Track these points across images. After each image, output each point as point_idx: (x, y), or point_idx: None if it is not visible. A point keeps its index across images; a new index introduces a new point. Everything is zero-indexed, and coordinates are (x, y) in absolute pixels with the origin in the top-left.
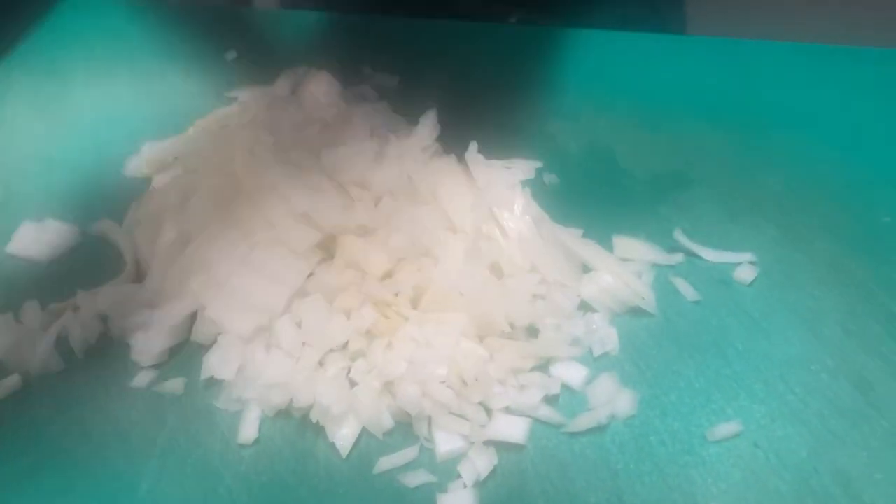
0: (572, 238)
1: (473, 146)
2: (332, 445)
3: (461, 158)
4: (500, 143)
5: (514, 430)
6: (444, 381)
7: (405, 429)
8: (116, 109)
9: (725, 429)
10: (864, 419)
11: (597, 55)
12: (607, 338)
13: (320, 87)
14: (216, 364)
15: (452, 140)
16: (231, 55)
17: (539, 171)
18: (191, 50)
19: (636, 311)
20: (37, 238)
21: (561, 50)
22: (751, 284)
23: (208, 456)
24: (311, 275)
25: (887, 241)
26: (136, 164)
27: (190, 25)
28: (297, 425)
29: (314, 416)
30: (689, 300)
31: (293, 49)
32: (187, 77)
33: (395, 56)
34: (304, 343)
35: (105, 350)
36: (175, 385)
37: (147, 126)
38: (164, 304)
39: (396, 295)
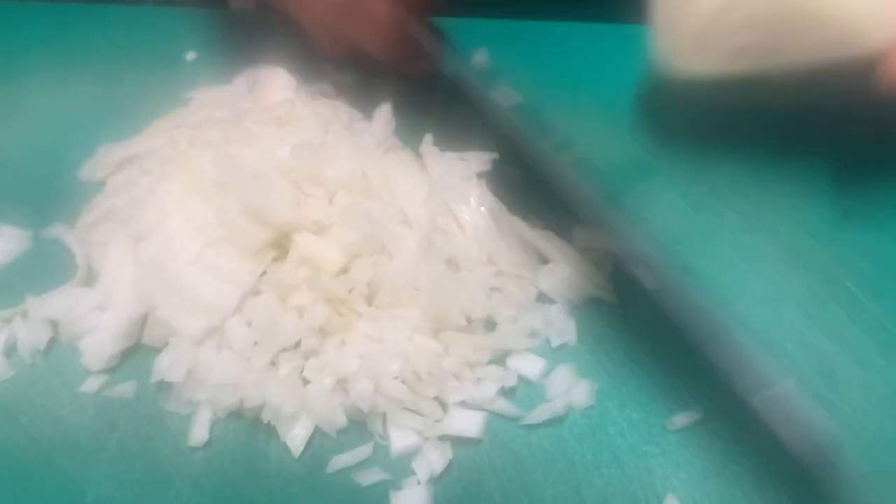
0: (530, 229)
1: (428, 139)
2: (285, 445)
3: (418, 152)
4: (459, 135)
5: (469, 424)
6: (397, 377)
7: (359, 426)
8: (73, 112)
9: (685, 417)
10: (825, 404)
11: (558, 47)
12: (565, 329)
13: (275, 84)
14: (167, 366)
15: (411, 134)
16: (191, 56)
17: (497, 163)
18: (150, 51)
19: (595, 302)
20: None
21: (523, 42)
22: (712, 272)
23: (158, 460)
24: (264, 273)
25: (849, 225)
26: (92, 167)
27: (149, 26)
28: (249, 426)
29: (266, 417)
30: (649, 289)
31: (254, 48)
32: (145, 78)
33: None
34: (255, 343)
35: (55, 355)
36: (126, 389)
37: (104, 129)
38: (115, 307)
39: (350, 291)
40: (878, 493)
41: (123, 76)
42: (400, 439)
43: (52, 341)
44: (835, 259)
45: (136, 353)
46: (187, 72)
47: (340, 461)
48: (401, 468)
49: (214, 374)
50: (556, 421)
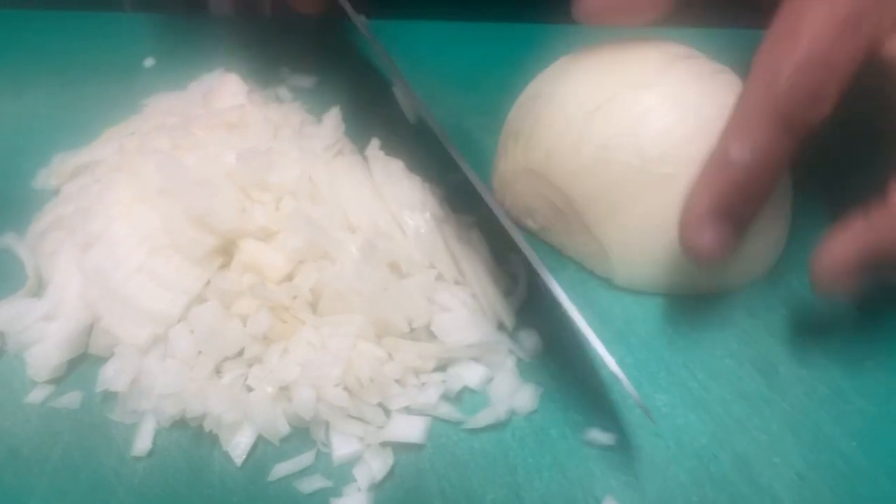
0: (476, 234)
1: (375, 143)
2: (228, 454)
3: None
4: (414, 140)
5: (412, 429)
6: (339, 384)
7: (302, 434)
8: (29, 120)
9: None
10: (765, 403)
11: (518, 49)
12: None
13: (227, 90)
14: (111, 376)
15: (364, 138)
16: (150, 62)
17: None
18: (108, 57)
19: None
20: None
21: (480, 45)
22: None
23: (101, 470)
24: (209, 281)
25: (792, 222)
26: (46, 176)
27: (108, 32)
28: (193, 435)
29: (208, 426)
30: (595, 289)
31: (213, 53)
32: (103, 85)
33: (314, 56)
34: (199, 351)
35: (1, 366)
36: (71, 399)
37: (60, 136)
38: (62, 317)
39: (294, 298)
40: (815, 492)
41: (81, 83)
42: (342, 446)
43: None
44: (780, 259)
45: (83, 363)
46: (145, 78)
47: (282, 469)
48: (342, 475)
49: (158, 383)
50: (499, 425)
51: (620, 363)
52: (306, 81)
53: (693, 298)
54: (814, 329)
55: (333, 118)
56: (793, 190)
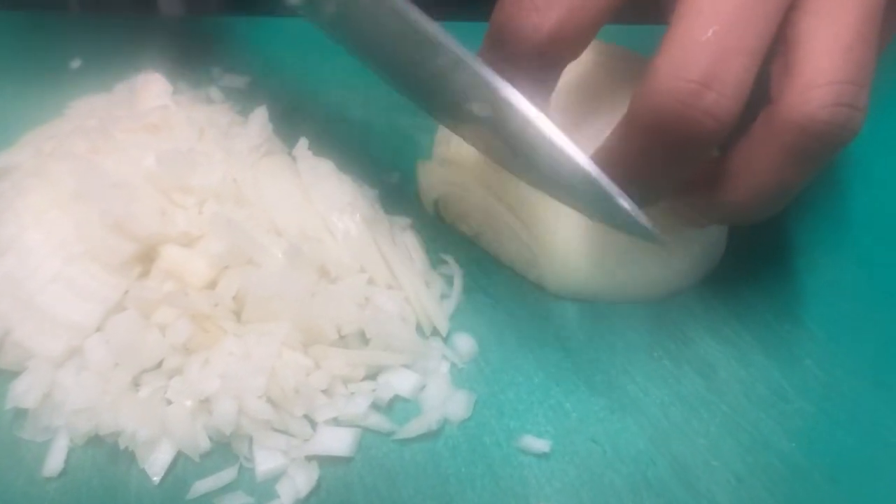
0: (409, 236)
1: (303, 142)
2: (145, 472)
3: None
4: (347, 139)
5: (339, 442)
6: (262, 396)
7: (224, 449)
8: None
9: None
10: (704, 405)
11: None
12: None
13: (151, 90)
14: (22, 392)
15: (294, 138)
16: (76, 63)
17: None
18: (33, 58)
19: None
20: None
21: None
22: None
23: (9, 493)
24: (128, 290)
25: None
26: None
27: (34, 33)
28: (108, 453)
29: (123, 442)
30: (532, 291)
31: (142, 54)
32: (26, 87)
33: (246, 57)
34: (115, 363)
35: None
36: None
37: None
38: None
39: (216, 306)
40: (753, 495)
41: (3, 86)
42: (265, 461)
43: None
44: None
45: None
46: (71, 80)
47: (203, 486)
48: (266, 491)
49: (72, 398)
50: (431, 434)
51: (556, 368)
52: (238, 82)
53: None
54: (753, 328)
55: (260, 118)
56: None
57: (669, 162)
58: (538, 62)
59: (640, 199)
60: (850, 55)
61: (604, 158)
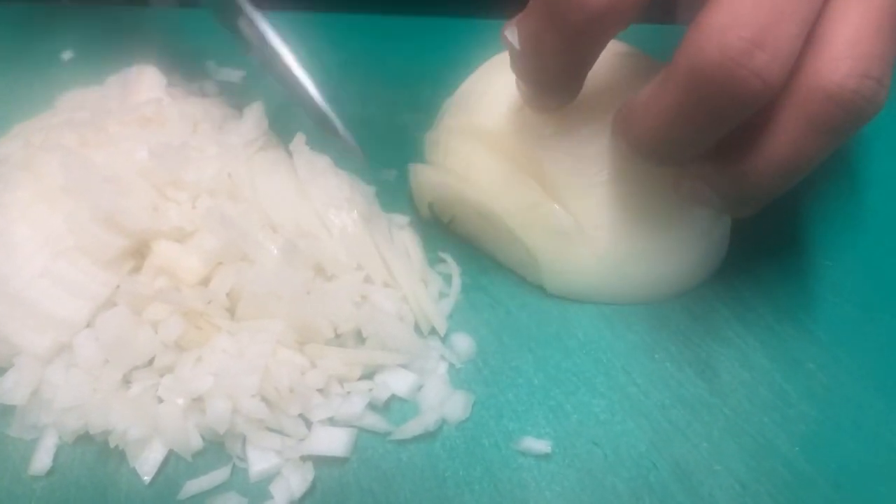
0: (407, 234)
1: (300, 137)
2: (135, 471)
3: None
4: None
5: (335, 442)
6: (255, 395)
7: (217, 449)
8: None
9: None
10: (706, 408)
11: (453, 44)
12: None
13: (143, 83)
14: (9, 388)
15: (291, 134)
16: (68, 55)
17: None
18: (23, 50)
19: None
20: None
21: (415, 39)
22: None
23: None
24: (119, 286)
25: (736, 220)
26: None
27: (25, 24)
28: (98, 451)
29: (114, 441)
30: (532, 291)
31: (135, 46)
32: (16, 79)
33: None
34: (106, 360)
35: None
36: None
37: None
38: None
39: (210, 303)
40: (757, 501)
41: None
42: (259, 461)
43: None
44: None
45: None
46: (62, 72)
47: (194, 486)
48: (259, 492)
49: (60, 395)
50: (429, 435)
51: (556, 368)
52: (233, 76)
53: None
54: (755, 331)
55: (255, 112)
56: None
57: (705, 122)
58: (586, 33)
59: (662, 158)
60: (880, 35)
61: (638, 110)
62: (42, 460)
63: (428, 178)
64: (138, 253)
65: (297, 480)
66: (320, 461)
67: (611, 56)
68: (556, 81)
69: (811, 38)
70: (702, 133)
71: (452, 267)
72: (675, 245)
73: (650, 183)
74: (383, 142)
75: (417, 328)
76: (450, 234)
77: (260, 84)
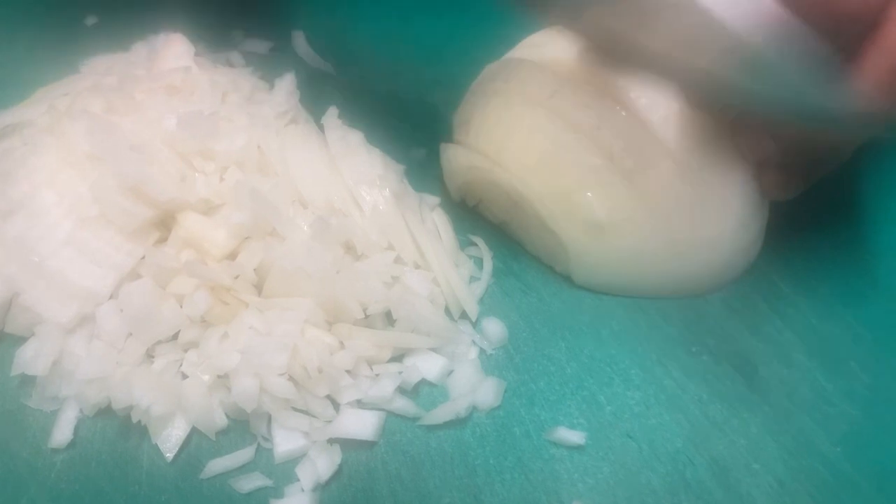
0: (438, 214)
1: (333, 111)
2: (157, 447)
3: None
4: (373, 111)
5: (363, 425)
6: (283, 374)
7: (241, 428)
8: None
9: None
10: (744, 405)
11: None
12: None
13: (171, 51)
14: (30, 358)
15: (322, 108)
16: (92, 20)
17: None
18: (47, 14)
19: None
20: None
21: (450, 16)
22: None
23: (13, 463)
24: (144, 257)
25: (773, 214)
26: None
27: None
28: (119, 426)
29: (136, 416)
30: (564, 278)
31: (160, 14)
32: (40, 43)
33: (269, 21)
34: (129, 333)
35: None
36: None
37: None
38: None
39: (237, 278)
40: (796, 501)
41: (16, 40)
42: (285, 442)
43: None
44: (761, 250)
45: None
46: (86, 38)
47: (217, 465)
48: (284, 474)
49: (82, 367)
50: (459, 422)
51: (590, 358)
52: (261, 47)
53: None
54: (795, 327)
55: (287, 84)
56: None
57: None
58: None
59: None
60: None
61: None
62: (63, 433)
63: (457, 158)
64: (163, 224)
65: (324, 463)
66: (347, 444)
67: None
68: None
69: None
70: None
71: (484, 250)
72: (709, 240)
73: (685, 176)
74: (413, 119)
75: (448, 312)
76: (481, 216)
77: (287, 56)
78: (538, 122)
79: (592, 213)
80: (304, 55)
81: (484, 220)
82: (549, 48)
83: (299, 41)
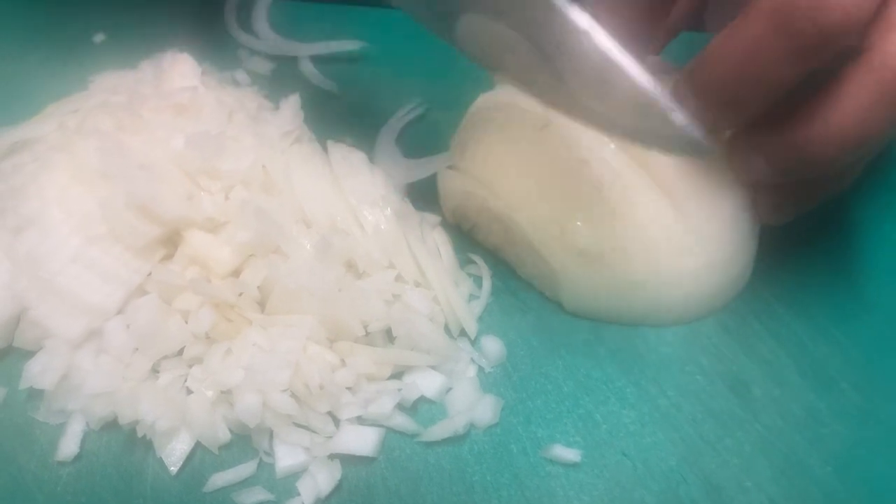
0: (439, 233)
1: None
2: (162, 461)
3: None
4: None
5: (363, 441)
6: (285, 390)
7: (244, 442)
8: None
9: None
10: (737, 423)
11: None
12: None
13: (178, 70)
14: (38, 372)
15: (328, 128)
16: (99, 38)
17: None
18: (55, 31)
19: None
20: None
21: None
22: None
23: (20, 475)
24: (151, 273)
25: (766, 235)
26: None
27: (56, 6)
28: (124, 440)
29: (141, 430)
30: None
31: (167, 31)
32: (47, 60)
33: (274, 40)
34: (135, 348)
35: None
36: None
37: None
38: None
39: (241, 295)
40: None
41: (25, 56)
42: (286, 457)
43: None
44: (754, 270)
45: (6, 357)
46: (94, 55)
47: (220, 479)
48: (285, 488)
49: (89, 381)
50: (457, 439)
51: (586, 377)
52: (264, 66)
53: None
54: (788, 347)
55: (293, 104)
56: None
57: (785, 57)
58: (817, 49)
59: (730, 109)
60: None
61: (713, 50)
62: (69, 446)
63: (453, 183)
64: (170, 241)
65: (324, 478)
66: (347, 460)
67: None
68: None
69: (882, 14)
70: (779, 71)
71: (483, 269)
72: (699, 270)
73: (675, 206)
74: (414, 138)
75: (447, 329)
76: (475, 240)
77: (291, 76)
78: (529, 153)
79: (582, 241)
80: (308, 75)
81: (476, 244)
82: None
83: (304, 61)
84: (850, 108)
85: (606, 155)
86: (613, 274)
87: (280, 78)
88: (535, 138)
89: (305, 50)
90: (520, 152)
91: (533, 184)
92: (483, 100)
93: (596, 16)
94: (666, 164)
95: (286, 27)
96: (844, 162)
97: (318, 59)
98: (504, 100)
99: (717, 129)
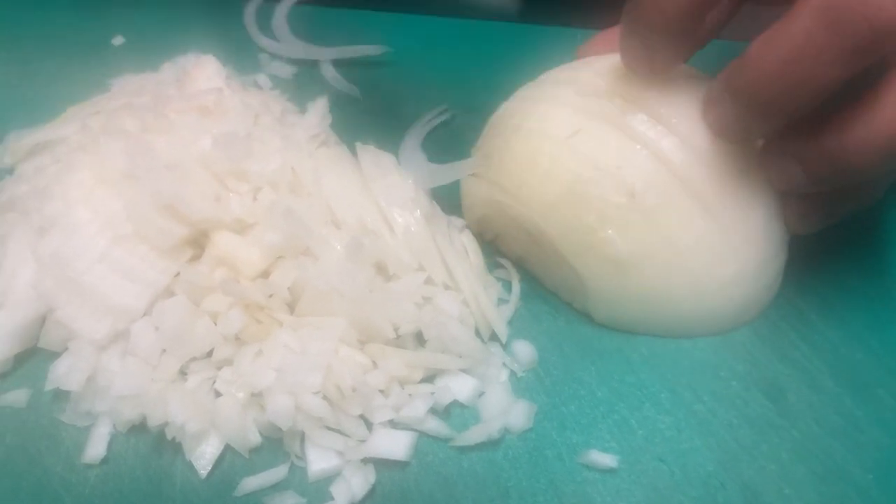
0: (467, 236)
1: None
2: (191, 464)
3: (355, 150)
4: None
5: (396, 445)
6: (318, 392)
7: (275, 445)
8: None
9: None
10: (774, 429)
11: (509, 47)
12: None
13: (203, 73)
14: (64, 373)
15: (351, 131)
16: (118, 40)
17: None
18: (74, 33)
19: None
20: None
21: (475, 42)
22: None
23: (47, 478)
24: (178, 274)
25: (795, 243)
26: (0, 154)
27: (76, 8)
28: (153, 442)
29: (170, 433)
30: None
31: (187, 34)
32: (67, 62)
33: (295, 44)
34: (163, 350)
35: None
36: (17, 397)
37: (16, 114)
38: (10, 307)
39: (271, 297)
40: None
41: (44, 59)
42: (318, 461)
43: None
44: (786, 278)
45: (32, 357)
46: (113, 57)
47: (251, 483)
48: (318, 492)
49: (116, 383)
50: (491, 444)
51: (619, 382)
52: (286, 71)
53: None
54: (823, 354)
55: (320, 107)
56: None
57: (833, 57)
58: (869, 50)
59: (772, 111)
60: None
61: (759, 49)
62: (96, 448)
63: (477, 191)
64: (197, 243)
65: (358, 482)
66: (379, 464)
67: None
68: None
69: None
70: (826, 72)
71: (512, 273)
72: (731, 278)
73: (707, 214)
74: (438, 143)
75: (478, 333)
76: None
77: (313, 80)
78: (559, 159)
79: (614, 250)
80: (330, 79)
81: (502, 255)
82: (571, 85)
83: (325, 65)
84: (889, 115)
85: (638, 160)
86: (646, 283)
87: (302, 82)
88: (563, 145)
89: (327, 54)
90: (547, 159)
91: (562, 192)
92: (505, 109)
93: (630, 25)
94: (698, 172)
95: (307, 31)
96: (884, 170)
97: (339, 64)
98: (529, 108)
99: (750, 135)
